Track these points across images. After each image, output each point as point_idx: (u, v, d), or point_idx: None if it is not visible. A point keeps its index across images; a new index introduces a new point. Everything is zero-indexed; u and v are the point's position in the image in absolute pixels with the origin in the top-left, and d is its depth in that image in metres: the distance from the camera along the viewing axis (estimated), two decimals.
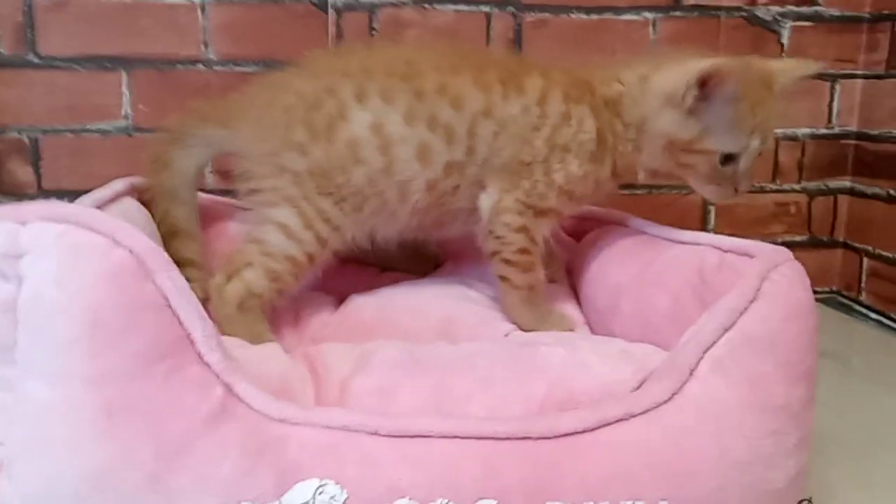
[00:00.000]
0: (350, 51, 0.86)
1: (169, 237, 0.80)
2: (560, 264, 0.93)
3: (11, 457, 0.51)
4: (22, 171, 1.08)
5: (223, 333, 0.68)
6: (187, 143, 0.81)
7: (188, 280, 0.70)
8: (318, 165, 0.76)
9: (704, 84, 0.72)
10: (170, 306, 0.51)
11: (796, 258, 0.62)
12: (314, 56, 0.82)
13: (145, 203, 0.84)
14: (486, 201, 0.78)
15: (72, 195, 1.05)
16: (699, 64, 0.72)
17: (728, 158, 0.75)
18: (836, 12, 1.23)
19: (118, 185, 0.78)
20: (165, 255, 0.53)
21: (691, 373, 0.56)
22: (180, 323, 0.52)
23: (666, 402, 0.55)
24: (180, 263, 0.73)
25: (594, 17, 1.17)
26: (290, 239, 0.76)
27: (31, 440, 0.50)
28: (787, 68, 0.79)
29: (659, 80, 0.77)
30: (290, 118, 0.77)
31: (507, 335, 0.78)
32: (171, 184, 0.81)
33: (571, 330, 0.81)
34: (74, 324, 0.49)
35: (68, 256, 0.50)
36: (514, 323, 0.81)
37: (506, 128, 0.77)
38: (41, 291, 0.49)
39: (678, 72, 0.74)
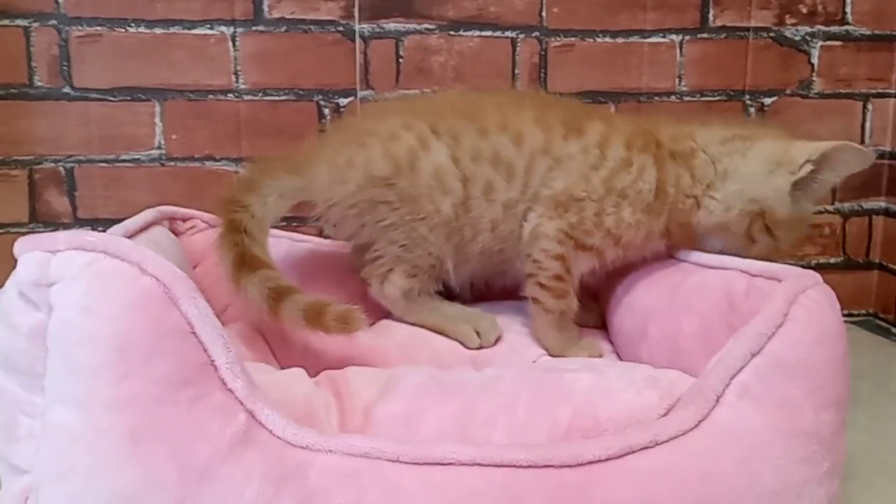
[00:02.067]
0: (414, 97, 0.92)
1: (240, 259, 0.75)
2: (598, 314, 0.92)
3: (38, 484, 0.51)
4: (58, 201, 1.11)
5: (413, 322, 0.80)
6: (263, 193, 0.79)
7: (269, 280, 0.71)
8: (408, 194, 0.78)
9: (821, 163, 0.76)
10: (194, 333, 0.52)
11: (831, 280, 0.61)
12: (378, 103, 0.87)
13: (176, 232, 0.86)
14: (528, 227, 0.79)
15: (106, 223, 1.08)
16: (825, 143, 0.76)
17: None
18: (866, 31, 1.21)
19: (148, 214, 0.80)
20: (191, 282, 0.53)
21: (718, 399, 0.55)
22: (204, 350, 0.52)
23: (693, 428, 0.54)
24: (257, 265, 0.73)
25: (620, 40, 1.17)
26: (409, 252, 0.79)
27: (57, 466, 0.50)
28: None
29: (766, 147, 0.79)
30: (368, 154, 0.78)
31: (534, 361, 0.78)
32: (245, 224, 0.76)
33: (600, 355, 0.81)
34: (101, 350, 0.50)
35: (96, 284, 0.51)
36: (543, 346, 0.81)
37: (561, 163, 0.78)
38: (69, 318, 0.50)
39: (797, 144, 0.78)
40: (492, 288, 0.90)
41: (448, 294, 0.85)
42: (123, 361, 0.50)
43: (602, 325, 0.91)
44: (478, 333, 0.80)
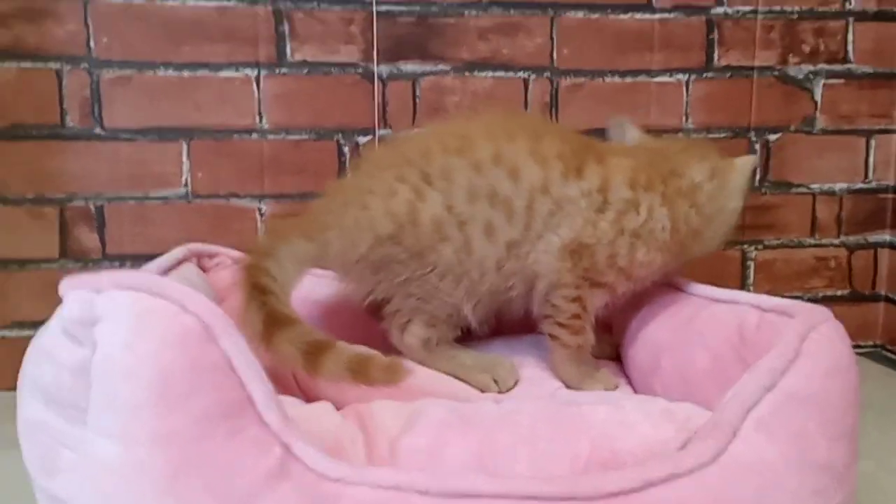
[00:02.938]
0: (404, 138, 0.90)
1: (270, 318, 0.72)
2: (611, 345, 0.94)
3: None
4: (87, 238, 1.13)
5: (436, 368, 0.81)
6: (280, 258, 0.77)
7: (304, 335, 0.69)
8: (415, 249, 0.78)
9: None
10: (233, 369, 0.54)
11: (838, 312, 0.63)
12: (369, 153, 0.86)
13: (203, 268, 0.88)
14: (543, 283, 0.80)
15: (134, 259, 1.12)
16: (748, 158, 0.87)
17: None
18: (868, 69, 1.25)
19: (178, 252, 0.83)
20: (230, 320, 0.55)
21: (735, 433, 0.56)
22: (242, 385, 0.54)
23: (711, 462, 0.55)
24: (288, 322, 0.70)
25: (628, 79, 1.20)
26: (426, 304, 0.80)
27: (98, 499, 0.52)
28: None
29: (735, 175, 0.85)
30: (371, 214, 0.78)
31: (552, 395, 0.79)
32: (269, 286, 0.74)
33: (615, 387, 0.83)
34: (143, 386, 0.51)
35: (139, 322, 0.53)
36: (561, 379, 0.82)
37: (562, 208, 0.79)
38: (113, 355, 0.52)
39: (741, 164, 0.86)
40: (506, 321, 0.91)
41: (465, 329, 0.86)
42: (164, 397, 0.51)
43: (616, 356, 0.93)
44: (495, 381, 0.81)
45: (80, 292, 0.55)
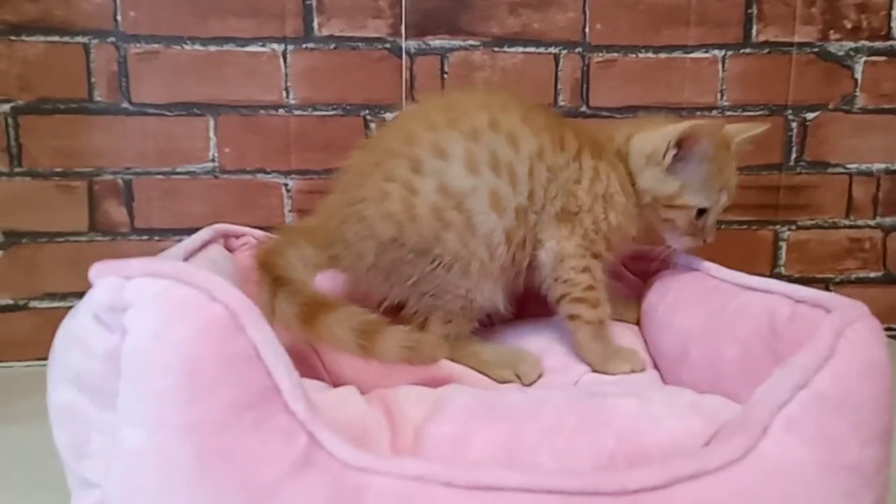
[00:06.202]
0: (382, 130, 0.91)
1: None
2: (635, 305, 0.94)
3: (108, 499, 0.54)
4: (116, 211, 1.14)
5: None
6: (290, 260, 0.77)
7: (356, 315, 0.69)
8: (419, 247, 0.77)
9: (682, 144, 0.81)
10: (260, 358, 0.54)
11: (871, 294, 0.62)
12: (355, 156, 0.84)
13: (230, 248, 0.88)
14: (548, 253, 0.82)
15: (162, 233, 1.13)
16: (678, 126, 0.82)
17: (700, 213, 0.85)
18: None
19: (205, 233, 0.82)
20: (257, 308, 0.56)
21: (765, 431, 0.55)
22: (269, 374, 0.54)
23: (739, 459, 0.54)
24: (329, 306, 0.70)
25: (662, 55, 1.18)
26: (438, 300, 0.79)
27: (128, 484, 0.53)
28: (739, 131, 0.87)
29: (639, 141, 0.85)
30: (370, 223, 0.78)
31: (576, 382, 0.79)
32: (291, 277, 0.74)
33: (643, 368, 0.82)
34: (172, 374, 0.52)
35: (168, 310, 0.53)
36: (586, 361, 0.82)
37: (555, 177, 0.82)
38: (142, 343, 0.53)
39: (658, 134, 0.84)
40: (532, 303, 0.91)
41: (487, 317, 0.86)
42: (192, 386, 0.52)
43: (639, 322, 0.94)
44: (518, 376, 0.80)
45: (110, 279, 0.55)
